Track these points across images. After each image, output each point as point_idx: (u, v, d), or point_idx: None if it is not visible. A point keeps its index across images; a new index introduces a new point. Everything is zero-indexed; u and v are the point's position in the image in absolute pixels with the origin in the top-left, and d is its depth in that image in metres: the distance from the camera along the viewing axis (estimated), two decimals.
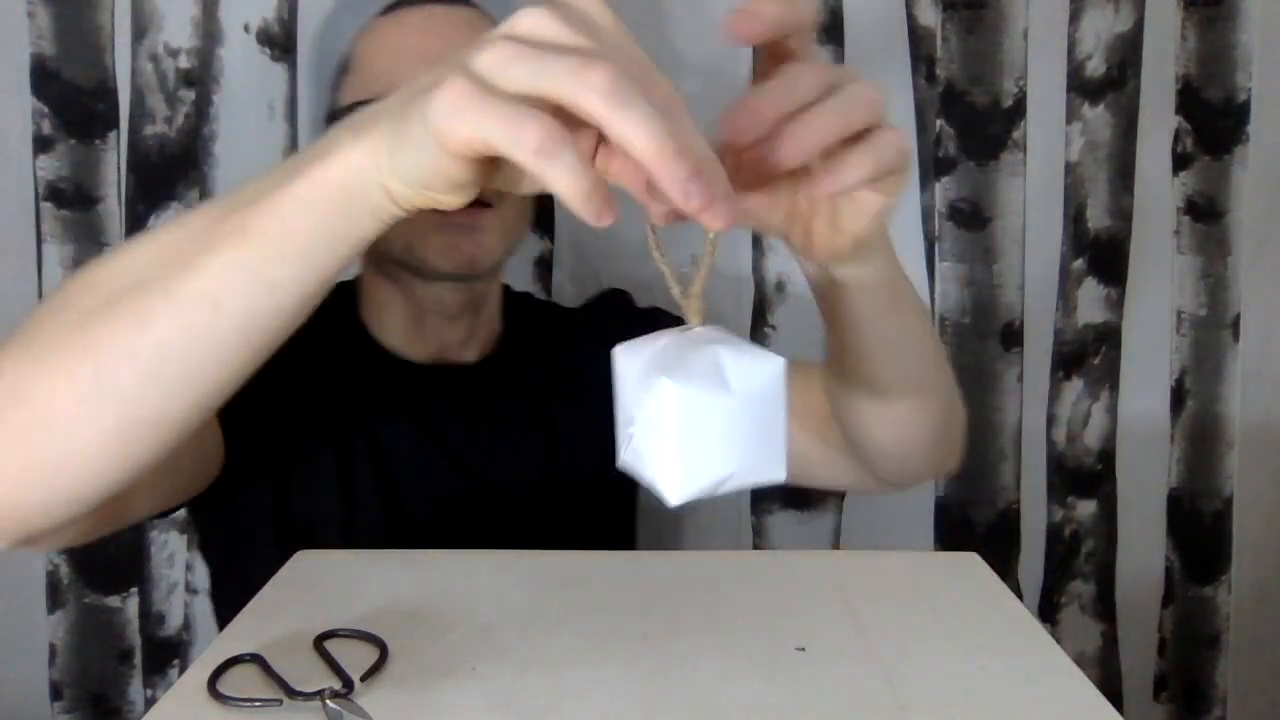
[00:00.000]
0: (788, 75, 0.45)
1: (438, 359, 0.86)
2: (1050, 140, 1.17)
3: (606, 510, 0.90)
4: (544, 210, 1.13)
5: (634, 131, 0.36)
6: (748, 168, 0.45)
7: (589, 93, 0.36)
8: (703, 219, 0.37)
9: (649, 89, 0.37)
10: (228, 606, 0.85)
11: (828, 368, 0.70)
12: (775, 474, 0.43)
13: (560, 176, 0.36)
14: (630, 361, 0.44)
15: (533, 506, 0.85)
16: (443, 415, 0.85)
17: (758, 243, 1.17)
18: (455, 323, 0.85)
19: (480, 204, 0.74)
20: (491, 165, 0.41)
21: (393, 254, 0.80)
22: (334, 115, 0.82)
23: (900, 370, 0.65)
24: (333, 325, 0.85)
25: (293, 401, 0.80)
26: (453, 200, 0.42)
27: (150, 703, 1.11)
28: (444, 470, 0.84)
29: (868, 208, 0.51)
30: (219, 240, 0.45)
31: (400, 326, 0.85)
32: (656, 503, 0.43)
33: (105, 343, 0.47)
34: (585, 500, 0.87)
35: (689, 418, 0.41)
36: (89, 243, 1.10)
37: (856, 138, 0.46)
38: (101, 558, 1.14)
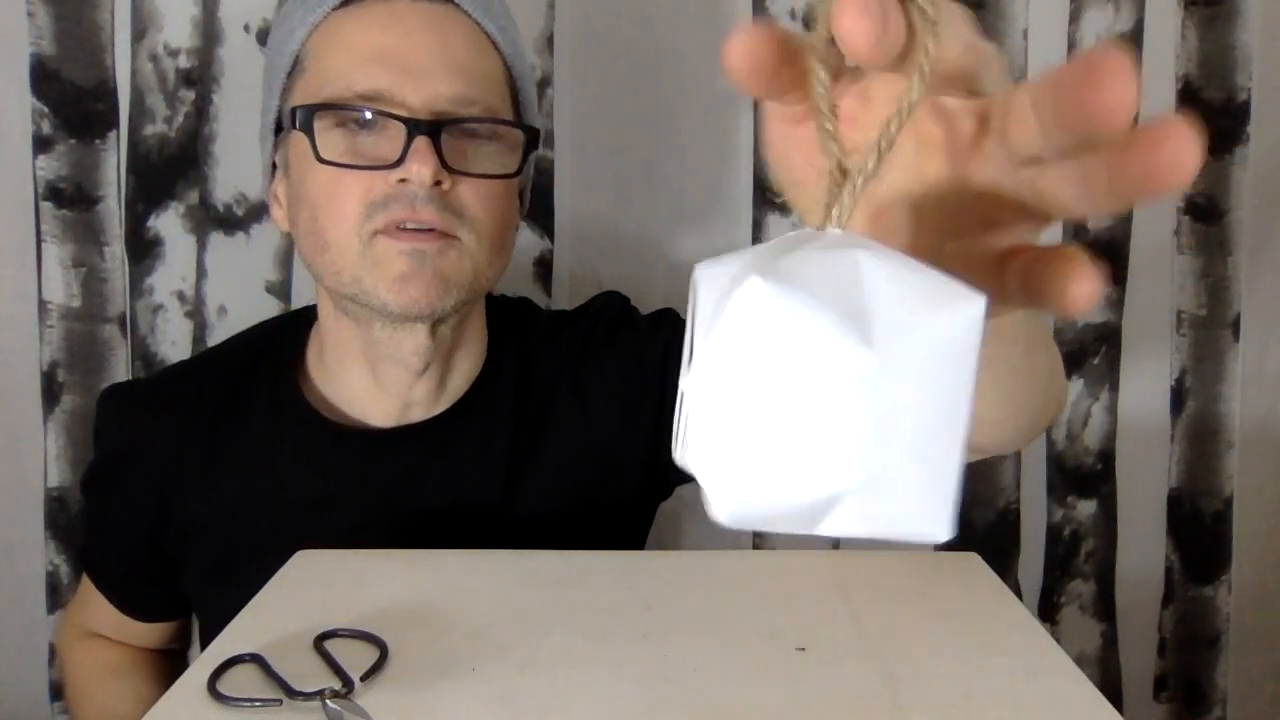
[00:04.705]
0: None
1: (400, 420, 0.80)
2: None
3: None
4: (544, 210, 1.13)
5: None
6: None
7: None
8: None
9: None
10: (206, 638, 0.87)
11: None
12: (934, 526, 0.24)
13: None
14: (711, 288, 0.25)
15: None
16: (396, 483, 0.79)
17: (759, 225, 1.17)
18: (420, 377, 0.78)
19: (438, 233, 0.70)
20: None
21: (342, 288, 0.73)
22: (279, 121, 0.75)
23: (1015, 398, 0.48)
24: (279, 409, 0.81)
25: (245, 497, 0.80)
26: None
27: None
28: (399, 538, 0.77)
29: None
30: None
31: (359, 382, 0.79)
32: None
33: None
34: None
35: (779, 364, 0.22)
36: (89, 243, 1.10)
37: None
38: None
